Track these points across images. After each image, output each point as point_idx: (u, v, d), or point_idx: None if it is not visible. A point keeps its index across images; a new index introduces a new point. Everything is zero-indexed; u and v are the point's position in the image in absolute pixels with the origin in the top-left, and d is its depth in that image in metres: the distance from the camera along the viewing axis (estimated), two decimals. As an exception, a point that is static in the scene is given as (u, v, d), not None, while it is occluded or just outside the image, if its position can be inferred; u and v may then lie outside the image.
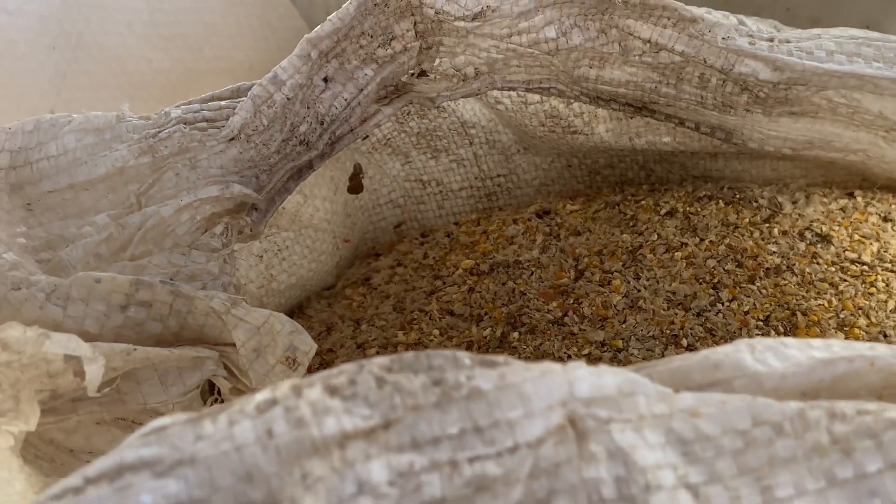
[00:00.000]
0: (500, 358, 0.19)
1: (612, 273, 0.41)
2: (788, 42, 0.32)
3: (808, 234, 0.42)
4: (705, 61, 0.33)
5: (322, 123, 0.34)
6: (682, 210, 0.44)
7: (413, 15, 0.33)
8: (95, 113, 0.33)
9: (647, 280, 0.40)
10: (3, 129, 0.32)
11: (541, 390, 0.19)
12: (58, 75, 0.46)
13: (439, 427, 0.18)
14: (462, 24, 0.32)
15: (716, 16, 0.33)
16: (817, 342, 0.22)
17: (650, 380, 0.20)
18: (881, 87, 0.32)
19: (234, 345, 0.30)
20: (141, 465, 0.17)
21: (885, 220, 0.43)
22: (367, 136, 0.39)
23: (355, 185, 0.45)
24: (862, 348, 0.21)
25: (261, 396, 0.18)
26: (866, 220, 0.43)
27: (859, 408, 0.19)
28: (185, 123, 0.33)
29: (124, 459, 0.17)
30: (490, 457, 0.18)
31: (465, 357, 0.19)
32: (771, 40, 0.32)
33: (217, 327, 0.30)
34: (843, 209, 0.44)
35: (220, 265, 0.32)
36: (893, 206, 0.44)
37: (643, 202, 0.46)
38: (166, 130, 0.32)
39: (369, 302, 0.45)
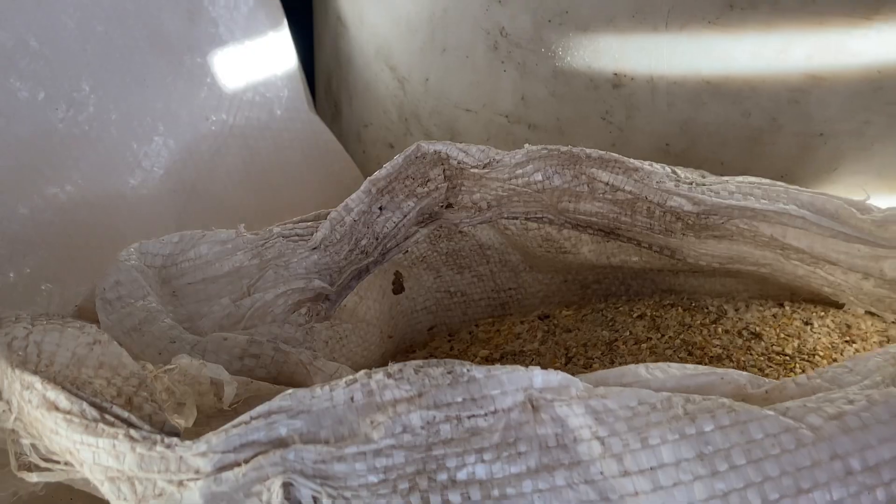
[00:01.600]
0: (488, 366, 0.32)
1: (593, 359, 0.54)
2: (704, 185, 0.46)
3: (744, 333, 0.55)
4: (647, 198, 0.47)
5: (377, 239, 0.48)
6: (650, 314, 0.57)
7: (442, 164, 0.48)
8: (221, 230, 0.47)
9: (619, 364, 0.53)
10: (158, 240, 0.47)
11: (512, 380, 0.31)
12: (177, 213, 0.61)
13: (450, 397, 0.31)
14: (476, 170, 0.47)
15: (655, 167, 0.47)
16: (690, 366, 0.34)
17: (580, 380, 0.33)
18: (768, 217, 0.45)
19: (314, 387, 0.43)
20: (280, 410, 0.30)
21: (806, 323, 0.56)
22: (407, 251, 0.53)
23: (397, 288, 0.58)
24: (718, 370, 0.34)
25: (348, 377, 0.31)
26: (791, 324, 0.56)
27: (704, 397, 0.32)
28: (283, 237, 0.47)
29: (271, 407, 0.30)
30: (480, 415, 0.31)
31: (466, 363, 0.32)
32: (691, 184, 0.46)
33: (303, 374, 0.43)
34: (774, 315, 0.57)
35: (303, 335, 0.46)
36: (813, 314, 0.57)
37: (621, 308, 0.59)
38: (270, 242, 0.47)
39: (406, 384, 0.58)
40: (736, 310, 0.57)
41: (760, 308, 0.58)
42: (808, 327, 0.56)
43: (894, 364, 0.34)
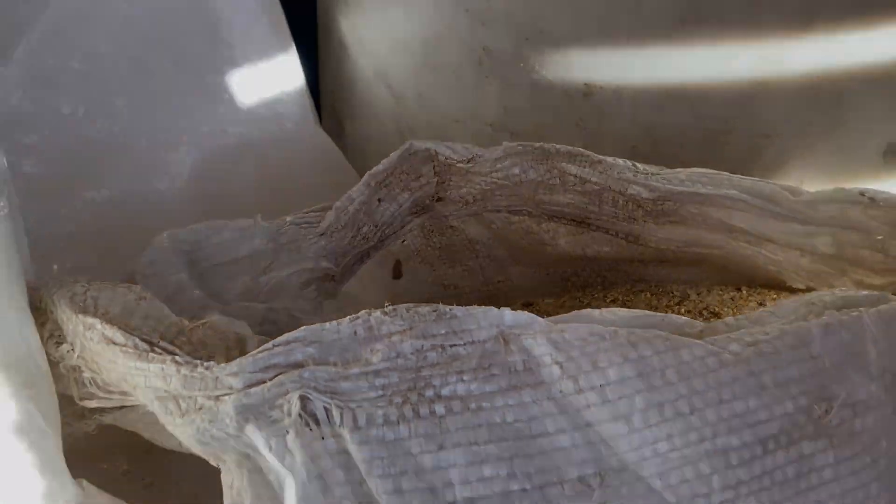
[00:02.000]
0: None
1: (569, 336, 0.61)
2: (658, 174, 0.53)
3: (704, 312, 0.62)
4: (611, 187, 0.54)
5: (376, 226, 0.55)
6: (621, 299, 0.64)
7: (433, 161, 0.55)
8: (241, 219, 0.54)
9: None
10: (187, 228, 0.54)
11: (487, 317, 0.38)
12: (199, 214, 0.68)
13: (436, 329, 0.37)
14: (462, 165, 0.54)
15: (617, 160, 0.54)
16: (637, 311, 0.41)
17: (543, 320, 0.39)
18: (715, 202, 0.52)
19: (323, 349, 0.50)
20: (296, 340, 0.37)
21: (760, 304, 0.62)
22: (404, 240, 0.60)
23: (396, 273, 0.65)
24: (660, 314, 0.41)
25: (352, 315, 0.38)
26: (747, 304, 0.62)
27: (645, 330, 0.39)
28: (294, 224, 0.54)
29: (289, 338, 0.37)
30: (460, 345, 0.37)
31: (449, 306, 0.39)
32: (647, 174, 0.53)
33: (313, 338, 0.50)
34: (732, 297, 0.63)
35: (313, 307, 0.53)
36: (767, 296, 0.63)
37: (596, 295, 0.66)
38: (284, 229, 0.54)
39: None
40: (698, 294, 0.64)
41: (720, 292, 0.64)
42: (762, 308, 0.62)
43: (807, 306, 0.41)
